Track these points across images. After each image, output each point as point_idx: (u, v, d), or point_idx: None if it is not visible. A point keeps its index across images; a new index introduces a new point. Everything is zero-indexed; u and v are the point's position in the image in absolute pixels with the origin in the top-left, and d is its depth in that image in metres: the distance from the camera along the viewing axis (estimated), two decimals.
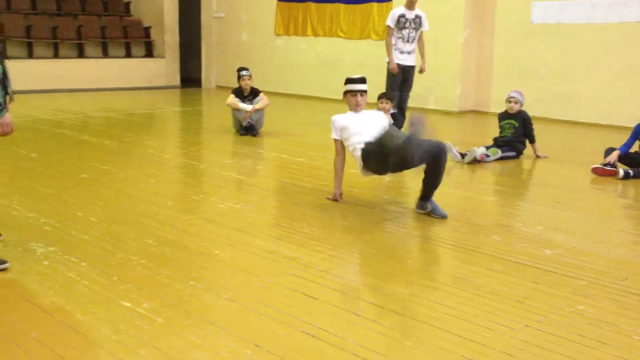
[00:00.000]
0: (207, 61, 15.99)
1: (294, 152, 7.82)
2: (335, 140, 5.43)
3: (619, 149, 6.85)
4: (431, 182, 5.04)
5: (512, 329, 3.15)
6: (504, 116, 7.86)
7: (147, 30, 15.85)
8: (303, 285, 3.64)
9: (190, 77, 16.36)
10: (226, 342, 2.95)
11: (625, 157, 6.86)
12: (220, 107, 9.76)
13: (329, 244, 4.40)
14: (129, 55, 15.59)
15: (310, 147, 8.15)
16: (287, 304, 3.38)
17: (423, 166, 5.00)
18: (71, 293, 3.46)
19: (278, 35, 14.47)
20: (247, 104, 8.79)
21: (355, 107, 5.42)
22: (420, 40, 8.92)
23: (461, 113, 11.83)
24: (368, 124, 5.27)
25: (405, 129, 7.08)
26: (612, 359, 2.89)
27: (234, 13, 15.21)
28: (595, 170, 6.74)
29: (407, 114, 8.76)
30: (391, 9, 10.09)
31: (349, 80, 5.43)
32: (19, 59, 13.72)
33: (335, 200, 5.46)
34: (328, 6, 13.49)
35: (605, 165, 6.72)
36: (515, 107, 7.76)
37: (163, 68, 15.73)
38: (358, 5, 12.98)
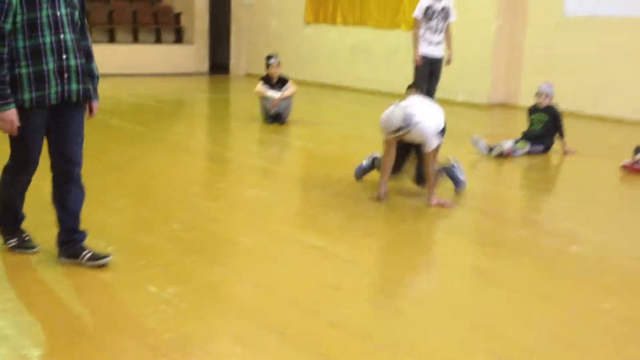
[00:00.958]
0: (236, 48, 16.00)
1: (321, 141, 7.81)
2: (387, 141, 5.19)
3: None
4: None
5: (537, 325, 3.13)
6: (533, 110, 7.77)
7: (177, 16, 15.91)
8: (328, 275, 3.65)
9: (219, 64, 16.39)
10: (250, 329, 2.97)
11: None
12: (248, 95, 9.77)
13: (354, 234, 4.40)
14: (159, 41, 15.66)
15: (338, 136, 8.14)
16: (312, 293, 3.39)
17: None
18: (98, 276, 3.50)
19: (307, 23, 14.42)
20: (276, 91, 8.78)
21: None
22: (447, 31, 8.84)
23: (491, 106, 11.71)
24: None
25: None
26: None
27: (264, 0, 15.20)
28: (625, 167, 6.65)
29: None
30: None
31: None
32: None
33: (379, 199, 5.22)
34: None
35: (635, 162, 6.62)
36: (545, 101, 7.66)
37: (192, 54, 15.77)
38: None
